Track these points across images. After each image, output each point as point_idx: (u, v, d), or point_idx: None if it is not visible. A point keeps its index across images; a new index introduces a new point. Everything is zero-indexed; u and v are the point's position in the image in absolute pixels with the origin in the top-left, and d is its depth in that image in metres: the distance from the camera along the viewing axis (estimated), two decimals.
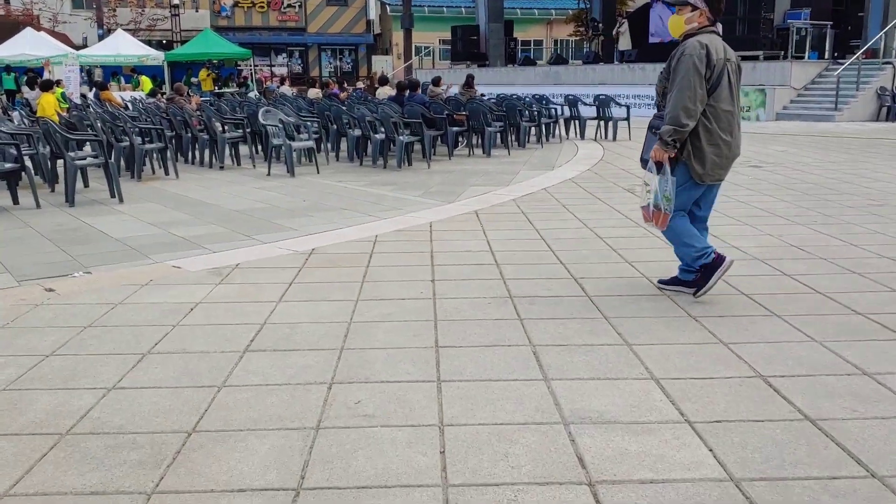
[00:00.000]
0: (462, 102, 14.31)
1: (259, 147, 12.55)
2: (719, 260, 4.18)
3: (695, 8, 4.05)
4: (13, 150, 8.32)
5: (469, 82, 16.87)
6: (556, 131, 15.26)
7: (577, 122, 15.52)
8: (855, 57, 19.28)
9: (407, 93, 13.24)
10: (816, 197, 7.80)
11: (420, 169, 10.94)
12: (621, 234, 6.10)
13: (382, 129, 11.48)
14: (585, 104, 15.82)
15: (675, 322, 3.92)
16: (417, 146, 11.84)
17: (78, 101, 18.42)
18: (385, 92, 15.15)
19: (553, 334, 3.75)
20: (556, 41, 44.39)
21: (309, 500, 2.30)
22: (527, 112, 14.22)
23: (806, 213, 6.91)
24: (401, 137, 11.06)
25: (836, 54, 21.34)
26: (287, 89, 23.10)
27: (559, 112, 15.64)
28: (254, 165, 11.44)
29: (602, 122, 15.17)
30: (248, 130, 12.16)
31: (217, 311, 4.20)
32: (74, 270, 5.13)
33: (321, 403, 2.97)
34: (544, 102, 15.83)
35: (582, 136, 15.18)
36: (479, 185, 9.21)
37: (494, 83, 27.93)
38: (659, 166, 4.11)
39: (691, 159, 4.07)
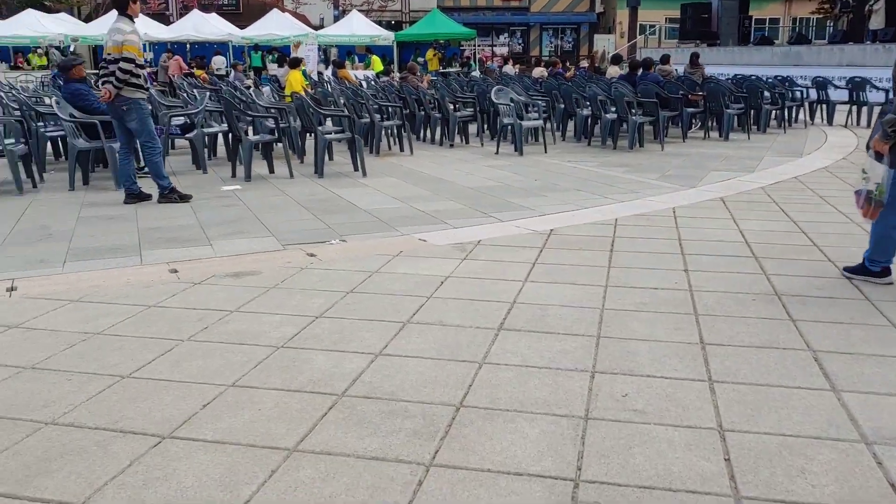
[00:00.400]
0: (697, 82, 13.60)
1: (486, 125, 12.68)
2: (885, 273, 4.18)
3: None
4: (270, 123, 8.99)
5: (694, 61, 15.97)
6: (800, 116, 14.07)
7: (825, 106, 14.20)
8: None
9: (640, 72, 12.75)
10: None
11: (653, 151, 10.51)
12: None
13: (613, 109, 11.17)
14: (836, 87, 14.43)
15: None
16: (648, 127, 11.41)
17: (315, 78, 19.69)
18: (615, 71, 14.72)
19: (835, 340, 3.38)
20: (794, 19, 41.03)
21: (590, 493, 2.20)
22: (769, 94, 13.21)
23: None
24: (634, 117, 10.69)
25: None
26: (510, 68, 23.22)
27: (804, 95, 14.37)
28: (482, 144, 11.57)
29: (855, 108, 13.76)
30: (478, 109, 12.32)
31: (466, 286, 4.23)
32: (332, 238, 5.43)
33: (586, 392, 2.87)
34: (787, 84, 14.63)
35: (830, 123, 13.87)
36: (720, 169, 8.67)
37: (726, 63, 26.35)
38: (880, 157, 3.97)
39: None
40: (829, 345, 3.32)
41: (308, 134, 9.47)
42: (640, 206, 6.47)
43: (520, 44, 40.13)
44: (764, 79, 15.11)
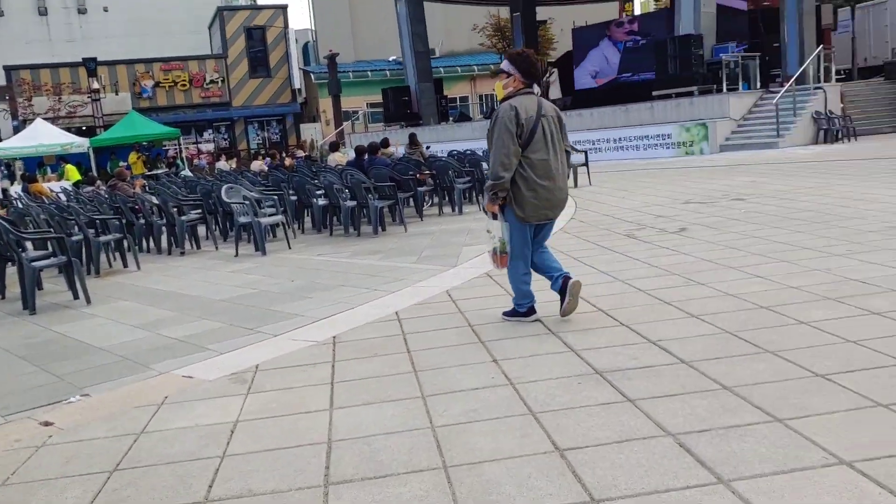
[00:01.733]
0: (421, 161, 13.92)
1: (219, 227, 11.77)
2: (530, 312, 4.90)
3: (509, 74, 4.63)
4: None
5: (413, 140, 16.51)
6: None
7: None
8: (789, 84, 19.77)
9: (367, 157, 12.70)
10: (828, 224, 7.54)
11: (397, 233, 10.37)
12: (663, 285, 5.62)
13: (348, 196, 10.91)
14: None
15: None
16: (386, 210, 11.31)
17: None
18: (339, 158, 14.59)
19: (702, 419, 3.19)
20: (481, 96, 44.82)
21: None
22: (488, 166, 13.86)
23: (834, 244, 6.58)
24: (374, 202, 10.51)
25: (759, 84, 21.93)
26: (224, 164, 22.31)
27: None
28: (216, 247, 10.66)
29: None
30: (205, 210, 11.39)
31: (264, 430, 3.49)
32: (69, 394, 4.32)
33: None
34: None
35: None
36: (470, 244, 8.69)
37: (433, 141, 27.71)
38: (496, 216, 4.72)
39: (513, 204, 4.61)
40: (695, 425, 3.11)
41: (7, 263, 7.95)
42: (414, 295, 6.13)
43: (225, 139, 39.19)
44: (480, 153, 15.92)
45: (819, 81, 21.07)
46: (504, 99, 4.63)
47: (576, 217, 10.22)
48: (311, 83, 42.70)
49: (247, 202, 9.75)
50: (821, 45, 22.32)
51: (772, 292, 5.06)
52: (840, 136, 19.40)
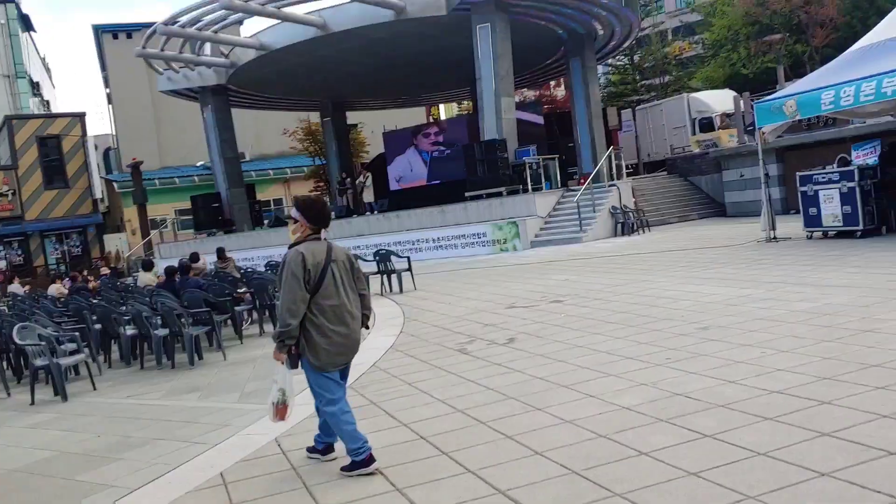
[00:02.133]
0: (237, 276, 13.41)
1: (11, 367, 10.49)
2: (370, 461, 4.59)
3: (296, 221, 4.68)
4: None
5: (222, 255, 15.74)
6: None
7: None
8: (587, 182, 21.27)
9: (178, 277, 11.99)
10: (642, 328, 7.91)
11: (215, 362, 9.73)
12: (502, 413, 5.55)
13: (159, 323, 10.15)
14: (365, 260, 15.52)
15: None
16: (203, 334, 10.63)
17: None
18: (149, 279, 13.69)
19: None
20: (296, 198, 44.59)
21: None
22: None
23: (652, 351, 6.87)
24: (189, 330, 9.84)
25: (559, 183, 23.54)
26: (17, 287, 20.28)
27: None
28: (8, 393, 9.45)
29: (385, 276, 14.90)
30: None
31: None
32: None
33: None
34: None
35: None
36: (297, 373, 8.24)
37: (247, 247, 27.05)
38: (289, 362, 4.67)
39: (307, 352, 4.60)
40: None
41: None
42: (240, 448, 5.63)
43: (19, 255, 36.01)
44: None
45: (613, 179, 22.89)
46: (292, 245, 4.66)
47: (405, 330, 10.10)
48: (115, 192, 40.60)
49: (42, 342, 8.76)
50: (611, 147, 24.37)
51: (606, 416, 5.12)
52: (635, 228, 21.01)
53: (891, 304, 7.39)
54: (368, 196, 28.50)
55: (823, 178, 13.30)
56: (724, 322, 7.65)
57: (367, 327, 5.12)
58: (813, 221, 13.60)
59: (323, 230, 4.70)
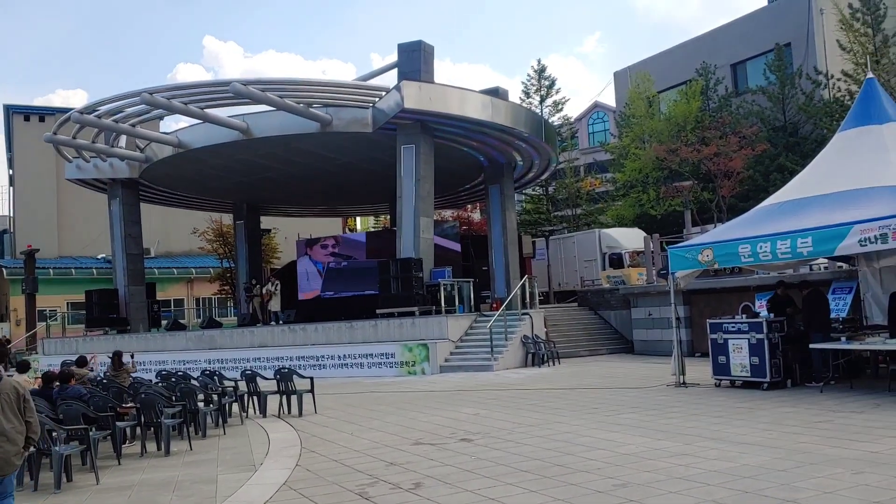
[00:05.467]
0: (124, 388, 12.36)
1: None
2: None
3: None
4: None
5: (118, 362, 14.39)
6: (234, 409, 13.76)
7: (256, 397, 14.21)
8: (501, 309, 21.17)
9: (56, 386, 10.87)
10: (557, 480, 7.45)
11: (86, 486, 8.68)
12: None
13: None
14: (265, 378, 14.68)
15: None
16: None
17: None
18: (23, 383, 12.36)
19: None
20: (198, 300, 43.00)
21: None
22: (202, 393, 12.63)
23: None
24: (58, 448, 8.78)
25: (472, 306, 23.39)
26: None
27: (236, 388, 14.17)
28: None
29: (285, 397, 14.02)
30: None
31: None
32: None
33: None
34: (219, 379, 14.36)
35: (264, 414, 13.83)
36: None
37: (140, 350, 25.44)
38: None
39: None
40: None
41: None
42: None
43: None
44: (193, 374, 14.59)
45: (526, 306, 22.87)
46: None
47: (302, 463, 9.31)
48: (3, 278, 38.18)
49: None
50: (526, 276, 24.53)
51: None
52: (546, 359, 20.83)
53: (807, 470, 7.21)
54: (275, 306, 27.55)
55: (733, 327, 13.49)
56: (642, 479, 7.29)
57: (28, 448, 6.02)
58: (722, 370, 13.68)
59: None
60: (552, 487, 7.22)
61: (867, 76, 14.11)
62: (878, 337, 12.10)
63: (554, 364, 20.75)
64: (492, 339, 20.13)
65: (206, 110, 22.68)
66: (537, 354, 20.75)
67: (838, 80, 29.97)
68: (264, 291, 28.23)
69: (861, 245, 11.01)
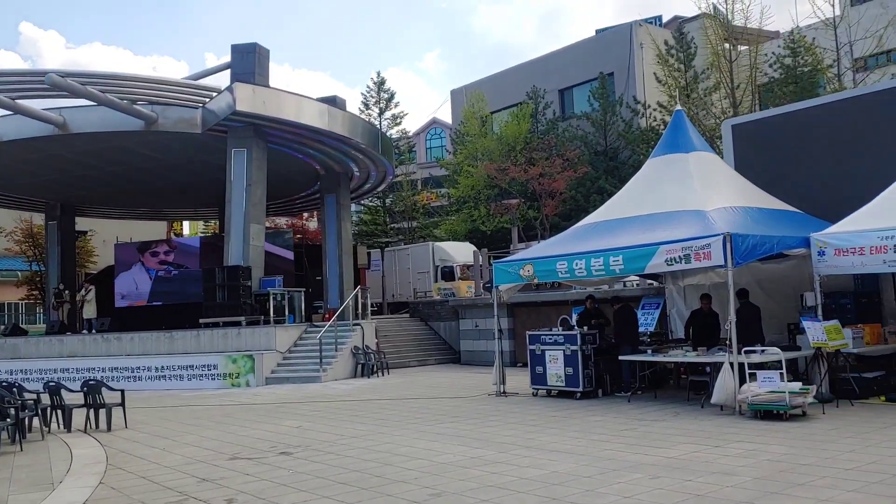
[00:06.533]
0: None
1: None
2: None
3: None
4: None
5: None
6: (34, 424, 12.69)
7: (60, 411, 13.17)
8: (332, 319, 20.97)
9: None
10: (375, 492, 7.46)
11: None
12: None
13: None
14: (71, 391, 13.65)
15: None
16: None
17: None
18: None
19: None
20: (3, 305, 39.43)
21: None
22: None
23: None
24: None
25: (303, 316, 23.06)
26: None
27: (37, 401, 13.06)
28: None
29: (93, 411, 13.10)
30: None
31: None
32: None
33: None
34: (16, 390, 13.18)
35: (69, 429, 12.85)
36: None
37: None
38: None
39: None
40: None
41: None
42: None
43: None
44: None
45: (358, 318, 22.81)
46: None
47: (106, 482, 8.72)
48: None
49: None
50: (359, 287, 24.49)
51: None
52: (375, 369, 20.86)
53: (610, 476, 7.66)
54: (89, 312, 25.78)
55: (550, 338, 14.13)
56: (456, 488, 7.44)
57: None
58: (539, 380, 14.28)
59: None
60: (369, 499, 7.21)
61: (676, 108, 15.31)
62: (681, 350, 13.10)
63: (383, 374, 20.83)
64: (321, 349, 19.89)
65: (18, 101, 20.88)
66: (367, 365, 20.74)
67: (654, 109, 32.39)
68: (77, 298, 26.36)
69: (668, 264, 11.87)
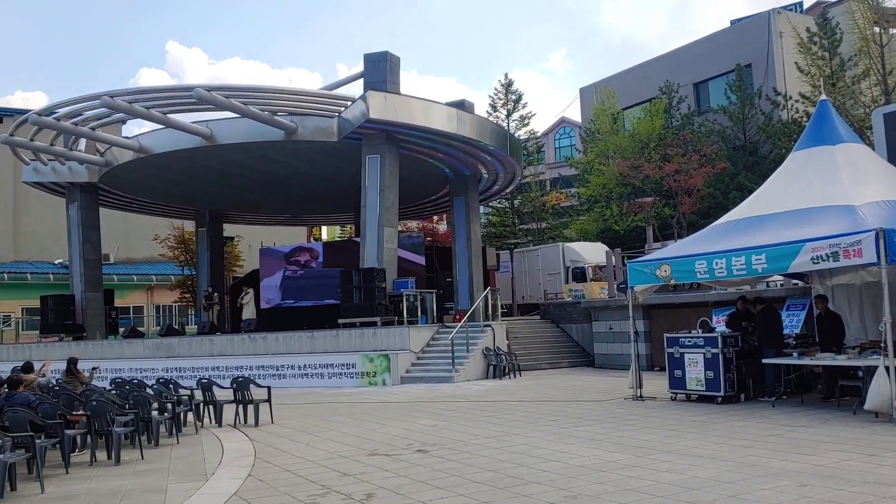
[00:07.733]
0: (77, 395, 12.10)
1: None
2: None
3: None
4: None
5: (72, 369, 14.19)
6: (189, 418, 13.55)
7: (212, 407, 14.02)
8: (463, 320, 21.18)
9: (5, 391, 10.63)
10: (511, 493, 7.47)
11: (30, 495, 8.47)
12: None
13: None
14: (222, 387, 14.49)
15: None
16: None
17: None
18: None
19: None
20: (158, 307, 42.39)
21: None
22: (156, 402, 12.43)
23: None
24: (2, 456, 8.55)
25: (435, 317, 23.39)
26: None
27: (191, 397, 13.97)
28: None
29: (241, 407, 13.85)
30: None
31: None
32: None
33: None
34: (173, 388, 14.15)
35: (219, 423, 13.65)
36: None
37: (96, 357, 24.95)
38: None
39: None
40: None
41: None
42: None
43: None
44: (148, 382, 14.35)
45: (488, 318, 22.91)
46: None
47: (254, 473, 9.20)
48: None
49: None
50: (488, 288, 24.58)
51: None
52: (506, 371, 20.87)
53: (754, 483, 7.32)
54: (248, 313, 27.28)
55: (689, 341, 13.65)
56: (592, 491, 7.33)
57: None
58: (677, 384, 13.83)
59: None
60: (504, 499, 7.23)
61: (821, 98, 14.44)
62: (829, 353, 12.34)
63: (515, 376, 20.80)
64: (453, 350, 20.12)
65: (169, 115, 22.43)
66: (498, 366, 20.78)
67: (796, 101, 30.66)
68: (237, 301, 28.04)
69: (814, 262, 11.22)
